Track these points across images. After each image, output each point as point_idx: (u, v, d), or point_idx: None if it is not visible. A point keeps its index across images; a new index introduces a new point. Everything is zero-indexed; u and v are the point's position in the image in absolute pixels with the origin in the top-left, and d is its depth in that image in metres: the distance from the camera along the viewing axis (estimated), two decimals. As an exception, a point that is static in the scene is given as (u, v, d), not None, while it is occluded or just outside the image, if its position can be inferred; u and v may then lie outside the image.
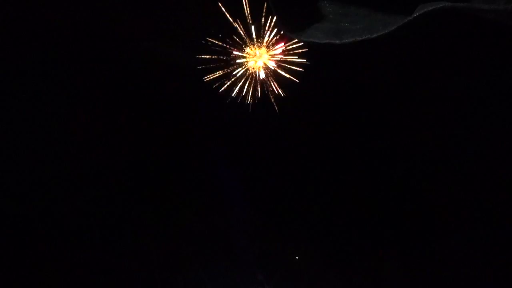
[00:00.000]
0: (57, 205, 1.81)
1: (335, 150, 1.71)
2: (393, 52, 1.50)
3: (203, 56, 2.10)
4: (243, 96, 2.28)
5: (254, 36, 2.22)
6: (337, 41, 1.23)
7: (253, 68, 2.32)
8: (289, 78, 2.18)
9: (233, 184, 1.79)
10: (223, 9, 1.92)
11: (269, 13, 1.89)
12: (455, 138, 1.60)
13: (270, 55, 2.28)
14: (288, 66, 2.24)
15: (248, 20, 2.08)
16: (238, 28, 2.16)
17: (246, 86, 2.31)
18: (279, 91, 2.24)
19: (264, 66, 2.31)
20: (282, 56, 2.25)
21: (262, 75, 2.28)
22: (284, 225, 1.83)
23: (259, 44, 2.27)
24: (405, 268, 1.72)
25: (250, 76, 2.33)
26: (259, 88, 2.28)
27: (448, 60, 1.51)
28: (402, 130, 1.64)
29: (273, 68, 2.26)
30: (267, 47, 2.28)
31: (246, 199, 1.80)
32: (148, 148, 1.89)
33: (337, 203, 1.75)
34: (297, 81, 2.07)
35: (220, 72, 2.24)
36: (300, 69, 2.12)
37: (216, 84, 2.20)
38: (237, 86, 2.31)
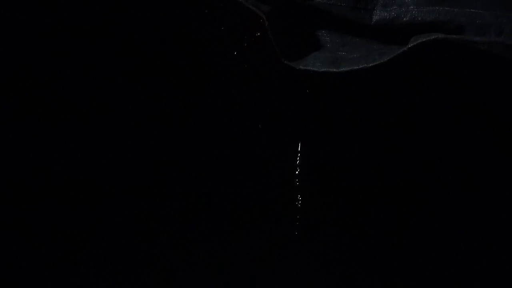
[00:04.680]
0: (57, 202, 1.77)
1: (334, 156, 1.71)
2: (388, 81, 1.53)
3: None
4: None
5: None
6: (334, 70, 1.26)
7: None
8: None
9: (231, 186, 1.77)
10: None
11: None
12: (450, 165, 1.63)
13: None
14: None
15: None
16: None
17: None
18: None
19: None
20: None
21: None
22: (284, 233, 1.82)
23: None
24: (410, 269, 1.71)
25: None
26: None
27: (443, 89, 1.54)
28: (399, 155, 1.66)
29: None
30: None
31: (246, 202, 1.79)
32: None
33: (339, 204, 1.74)
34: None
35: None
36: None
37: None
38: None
